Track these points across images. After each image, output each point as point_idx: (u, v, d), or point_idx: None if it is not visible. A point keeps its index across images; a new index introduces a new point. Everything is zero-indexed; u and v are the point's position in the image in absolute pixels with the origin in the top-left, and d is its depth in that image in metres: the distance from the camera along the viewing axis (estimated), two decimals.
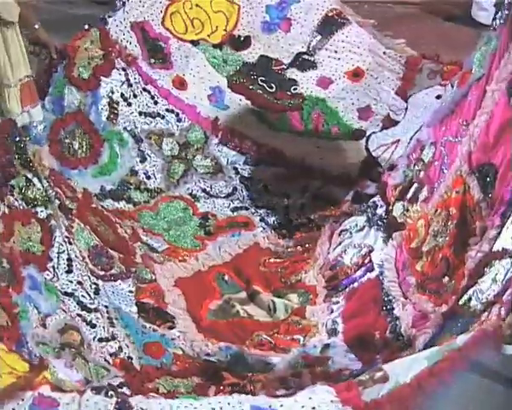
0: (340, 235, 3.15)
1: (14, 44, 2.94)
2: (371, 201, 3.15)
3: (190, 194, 3.44)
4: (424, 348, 2.62)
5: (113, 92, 3.37)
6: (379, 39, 3.52)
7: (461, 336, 2.23)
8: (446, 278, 2.76)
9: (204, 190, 3.44)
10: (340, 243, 3.11)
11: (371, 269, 2.99)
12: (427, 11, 5.05)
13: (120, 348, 2.88)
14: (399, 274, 2.92)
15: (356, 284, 3.03)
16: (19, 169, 3.00)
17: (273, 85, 3.50)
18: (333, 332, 2.92)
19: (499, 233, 2.60)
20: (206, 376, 2.82)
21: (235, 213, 3.42)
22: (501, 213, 2.62)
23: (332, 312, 2.98)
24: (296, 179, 3.40)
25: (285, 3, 3.54)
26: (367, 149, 3.35)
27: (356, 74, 3.48)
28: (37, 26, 3.13)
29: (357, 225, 3.15)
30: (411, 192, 2.97)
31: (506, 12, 2.85)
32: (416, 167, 3.03)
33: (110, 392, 2.38)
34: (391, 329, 2.86)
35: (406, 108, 3.37)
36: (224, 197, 3.45)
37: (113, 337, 2.90)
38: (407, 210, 2.94)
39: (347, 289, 3.02)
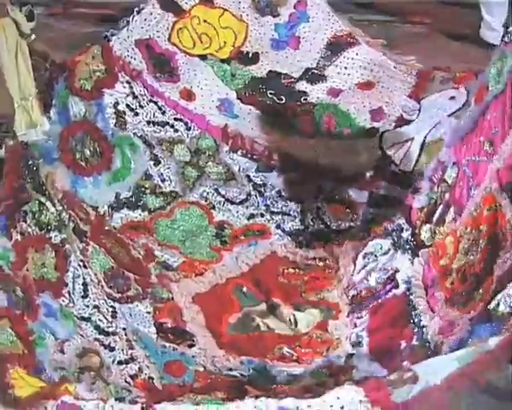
0: (364, 258, 3.03)
1: (27, 57, 2.94)
2: (396, 224, 3.00)
3: (206, 199, 3.32)
4: (451, 352, 2.48)
5: (118, 103, 3.28)
6: (389, 56, 3.43)
7: (493, 338, 2.18)
8: (475, 292, 2.67)
9: (219, 193, 3.31)
10: (364, 266, 3.00)
11: (396, 286, 2.89)
12: (435, 30, 4.98)
13: (140, 369, 2.79)
14: (428, 291, 2.81)
15: (380, 300, 2.92)
16: (31, 194, 2.95)
17: (283, 97, 3.40)
18: (357, 345, 2.84)
19: None
20: (230, 390, 2.72)
21: (251, 221, 3.30)
22: None
23: (356, 326, 2.89)
24: (309, 183, 3.27)
25: (294, 22, 3.48)
26: (381, 148, 3.19)
27: (367, 85, 3.40)
28: (33, 37, 3.03)
29: (381, 247, 3.01)
30: (438, 214, 2.84)
31: None
32: (440, 189, 2.90)
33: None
34: (417, 336, 2.78)
35: (419, 109, 3.25)
36: (238, 203, 3.33)
37: (133, 359, 2.82)
38: (435, 232, 2.82)
39: (371, 305, 2.91)
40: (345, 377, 2.71)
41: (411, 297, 2.83)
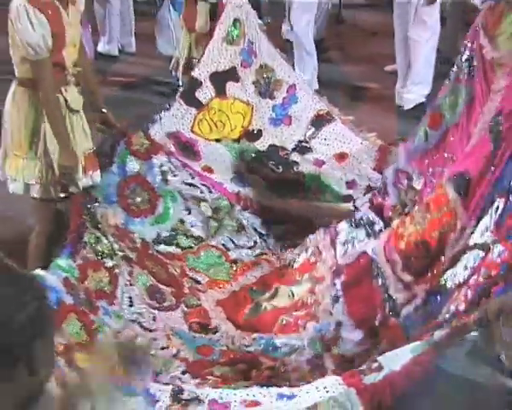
0: (344, 245, 3.39)
1: (79, 127, 3.24)
2: (366, 218, 3.42)
3: (223, 245, 3.70)
4: (410, 317, 3.00)
5: (162, 165, 3.70)
6: (356, 133, 3.98)
7: (437, 332, 2.50)
8: (427, 260, 3.03)
9: (233, 242, 3.71)
10: (345, 252, 3.36)
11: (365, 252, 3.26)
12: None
13: (178, 352, 3.11)
14: (386, 252, 3.16)
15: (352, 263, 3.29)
16: (90, 230, 3.35)
17: (280, 167, 3.90)
18: (335, 301, 3.19)
19: (473, 232, 2.92)
20: (248, 362, 3.08)
21: (258, 257, 3.69)
22: (476, 216, 2.95)
23: (335, 285, 3.24)
24: (302, 233, 3.64)
25: (287, 104, 4.02)
26: (355, 207, 3.63)
27: (341, 156, 3.94)
28: (104, 110, 3.45)
29: (357, 236, 3.40)
30: (407, 209, 3.28)
31: (469, 68, 3.19)
32: (409, 195, 3.35)
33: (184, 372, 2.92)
34: (390, 309, 3.11)
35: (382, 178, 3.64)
36: (248, 248, 3.72)
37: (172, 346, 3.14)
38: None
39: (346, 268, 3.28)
40: (336, 351, 3.13)
41: (375, 259, 3.20)
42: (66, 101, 3.18)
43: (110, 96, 4.73)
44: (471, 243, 2.90)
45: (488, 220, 2.89)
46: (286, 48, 5.45)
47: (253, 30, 3.99)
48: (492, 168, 2.95)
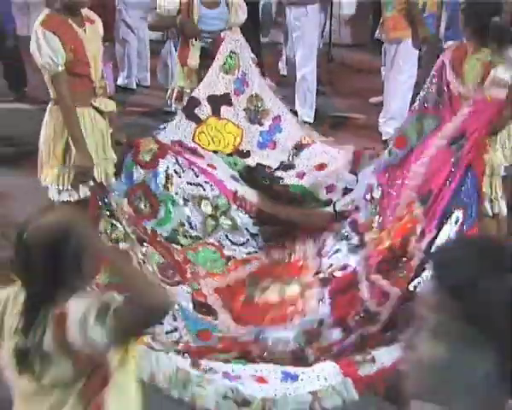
0: (329, 258, 3.67)
1: (108, 133, 3.65)
2: (346, 232, 3.68)
3: (219, 241, 4.01)
4: (387, 321, 3.21)
5: (168, 168, 3.99)
6: (334, 147, 4.37)
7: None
8: (394, 263, 3.29)
9: (228, 239, 4.02)
10: (331, 265, 3.65)
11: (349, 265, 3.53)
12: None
13: (181, 337, 3.40)
14: (365, 262, 3.45)
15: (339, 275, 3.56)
16: (106, 218, 3.59)
17: (268, 180, 4.24)
18: (322, 303, 3.46)
19: (435, 241, 3.19)
20: (240, 350, 3.35)
21: (249, 256, 4.00)
22: (435, 225, 3.23)
23: (323, 292, 3.51)
24: (288, 235, 4.04)
25: (272, 131, 4.37)
26: (335, 211, 4.00)
27: (320, 166, 4.25)
28: (124, 140, 3.85)
29: (340, 251, 3.67)
30: (376, 222, 3.55)
31: (437, 99, 3.42)
32: (373, 205, 3.64)
33: (185, 354, 3.15)
34: (364, 308, 3.37)
35: (357, 180, 4.01)
36: (240, 245, 4.03)
37: (176, 329, 3.43)
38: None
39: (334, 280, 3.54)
40: (316, 343, 3.35)
41: (359, 271, 3.43)
42: (96, 109, 3.52)
43: (129, 124, 5.23)
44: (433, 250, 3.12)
45: (449, 230, 3.19)
46: (281, 82, 6.11)
47: (246, 62, 4.37)
48: (449, 183, 3.22)
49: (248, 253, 4.06)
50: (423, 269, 3.17)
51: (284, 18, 6.39)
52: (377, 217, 3.56)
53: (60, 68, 3.40)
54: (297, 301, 3.58)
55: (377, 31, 5.76)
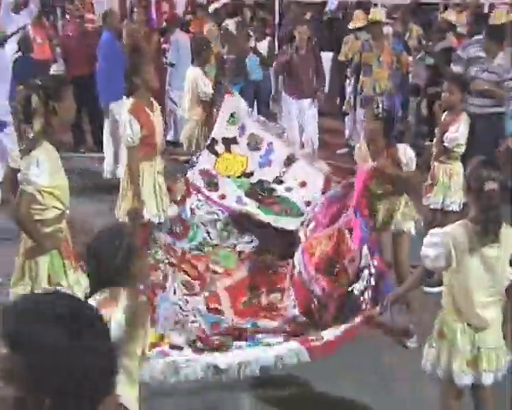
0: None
1: (163, 185, 5.01)
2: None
3: (232, 243, 5.18)
4: (335, 313, 3.88)
5: (192, 204, 5.22)
6: (313, 167, 5.45)
7: (356, 319, 3.42)
8: (332, 269, 4.00)
9: (238, 242, 5.17)
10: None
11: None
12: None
13: (200, 325, 4.30)
14: (306, 266, 4.24)
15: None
16: (153, 246, 4.82)
17: (265, 193, 5.36)
18: (293, 305, 4.33)
19: (361, 258, 3.86)
20: (240, 336, 4.09)
21: (252, 250, 5.12)
22: (359, 247, 3.92)
23: (291, 294, 4.41)
24: (273, 240, 5.14)
25: (268, 153, 5.54)
26: (302, 222, 4.86)
27: (303, 184, 5.34)
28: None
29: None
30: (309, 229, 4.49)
31: None
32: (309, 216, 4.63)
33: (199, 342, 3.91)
34: (319, 302, 4.09)
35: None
36: (247, 243, 5.19)
37: (196, 321, 4.35)
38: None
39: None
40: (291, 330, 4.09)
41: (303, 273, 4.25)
42: (153, 166, 4.68)
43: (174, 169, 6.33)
44: (362, 264, 3.90)
45: (366, 249, 3.96)
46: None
47: (243, 114, 5.71)
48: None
49: (253, 247, 5.21)
50: (359, 277, 3.89)
51: None
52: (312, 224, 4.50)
53: (135, 144, 4.66)
54: (278, 305, 4.50)
55: None
